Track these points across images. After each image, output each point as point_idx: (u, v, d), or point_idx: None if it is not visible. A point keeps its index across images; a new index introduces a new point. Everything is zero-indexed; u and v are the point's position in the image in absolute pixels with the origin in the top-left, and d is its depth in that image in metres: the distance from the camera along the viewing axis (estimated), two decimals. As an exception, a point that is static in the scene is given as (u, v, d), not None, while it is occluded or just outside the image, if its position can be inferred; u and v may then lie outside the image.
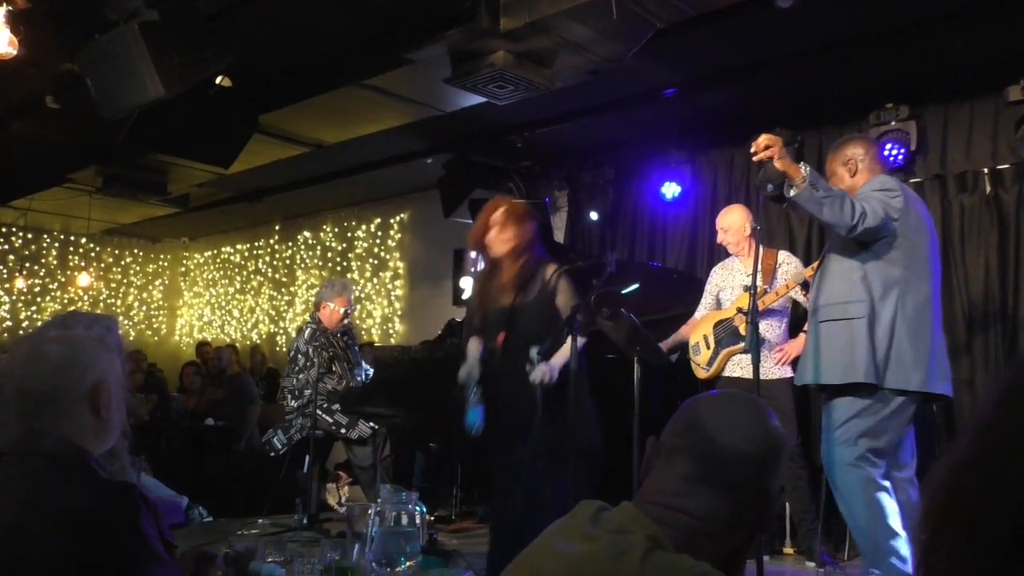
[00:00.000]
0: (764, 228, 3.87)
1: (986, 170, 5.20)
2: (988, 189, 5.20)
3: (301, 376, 5.18)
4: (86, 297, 10.69)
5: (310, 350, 5.12)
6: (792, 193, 3.14)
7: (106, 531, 1.34)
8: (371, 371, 5.35)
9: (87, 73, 4.53)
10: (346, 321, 5.40)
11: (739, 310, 4.15)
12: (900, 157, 5.25)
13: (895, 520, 3.05)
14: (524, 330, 3.58)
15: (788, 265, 4.58)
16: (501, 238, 3.65)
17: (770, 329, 4.49)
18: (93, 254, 10.86)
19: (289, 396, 5.34)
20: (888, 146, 5.25)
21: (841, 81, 5.37)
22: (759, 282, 3.68)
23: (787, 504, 4.46)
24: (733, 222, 4.59)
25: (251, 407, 7.30)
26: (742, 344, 4.12)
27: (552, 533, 1.21)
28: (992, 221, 5.14)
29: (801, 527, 4.41)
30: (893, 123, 5.27)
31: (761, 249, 3.71)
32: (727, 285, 4.56)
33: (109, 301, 11.00)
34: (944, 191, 5.32)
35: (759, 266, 3.62)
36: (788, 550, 4.56)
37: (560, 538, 1.18)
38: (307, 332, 5.24)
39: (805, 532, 4.38)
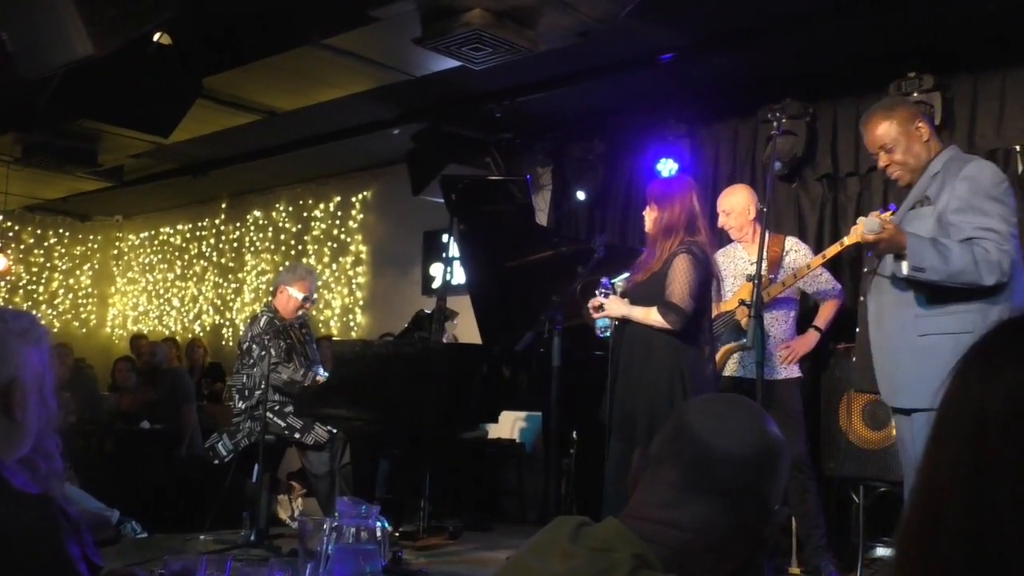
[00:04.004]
0: (771, 211, 3.87)
1: (1018, 147, 5.25)
2: (1020, 168, 5.24)
3: (256, 370, 5.15)
4: (2, 283, 10.57)
5: (266, 340, 5.10)
6: (899, 271, 2.99)
7: (18, 550, 1.32)
8: (325, 375, 5.32)
9: (4, 26, 4.47)
10: (302, 312, 5.38)
11: (741, 302, 4.18)
12: (923, 133, 5.28)
13: None
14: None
15: (796, 253, 4.62)
16: (648, 215, 3.96)
17: (776, 323, 4.52)
18: (11, 233, 10.73)
19: (237, 396, 5.31)
20: (910, 120, 5.28)
21: (859, 46, 5.39)
22: (763, 271, 3.70)
23: (793, 519, 4.50)
24: (736, 204, 4.61)
25: (187, 406, 7.27)
26: (744, 340, 4.14)
27: (527, 551, 1.21)
28: (1024, 204, 5.18)
29: (808, 544, 4.45)
30: (916, 94, 5.29)
31: (767, 235, 3.73)
32: (728, 274, 4.58)
33: (30, 287, 10.89)
34: (971, 171, 5.36)
35: (764, 253, 3.64)
36: (794, 570, 4.61)
37: (536, 556, 1.19)
38: (263, 320, 5.22)
39: (813, 549, 4.42)
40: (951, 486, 0.69)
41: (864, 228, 3.00)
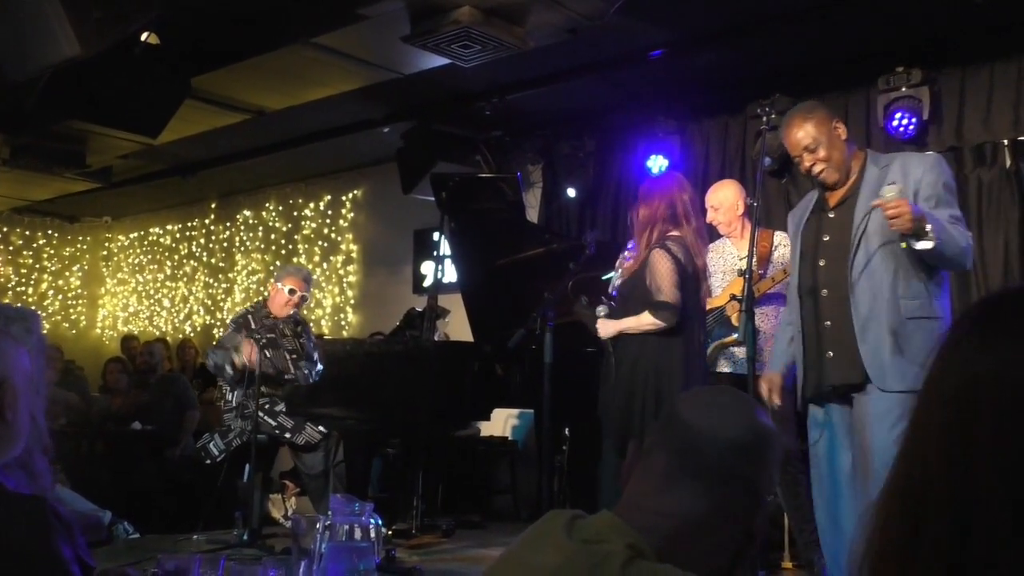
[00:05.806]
0: (761, 206, 3.87)
1: (1006, 141, 5.27)
2: (1008, 162, 5.27)
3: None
4: (-8, 285, 10.52)
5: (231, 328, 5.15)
6: (926, 246, 2.99)
7: (11, 552, 1.31)
8: (319, 368, 5.33)
9: (-9, 27, 4.45)
10: (294, 310, 5.37)
11: (732, 297, 4.19)
12: (911, 127, 5.30)
13: None
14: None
15: (785, 247, 4.62)
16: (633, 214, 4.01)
17: (765, 318, 4.53)
18: None
19: (228, 389, 5.31)
20: (898, 115, 5.29)
21: (847, 42, 5.41)
22: (753, 266, 3.70)
23: (785, 514, 4.51)
24: (724, 199, 4.62)
25: (190, 412, 7.26)
26: (735, 335, 4.14)
27: (522, 544, 1.22)
28: (1013, 197, 5.21)
29: (801, 538, 4.46)
30: (904, 89, 5.31)
31: (756, 230, 3.73)
32: (718, 269, 4.58)
33: (19, 289, 10.84)
34: (960, 165, 5.38)
35: (754, 248, 3.65)
36: (787, 564, 4.62)
37: (531, 549, 1.19)
38: (238, 311, 5.28)
39: (805, 544, 4.42)
40: (938, 456, 0.68)
41: (893, 193, 2.96)
